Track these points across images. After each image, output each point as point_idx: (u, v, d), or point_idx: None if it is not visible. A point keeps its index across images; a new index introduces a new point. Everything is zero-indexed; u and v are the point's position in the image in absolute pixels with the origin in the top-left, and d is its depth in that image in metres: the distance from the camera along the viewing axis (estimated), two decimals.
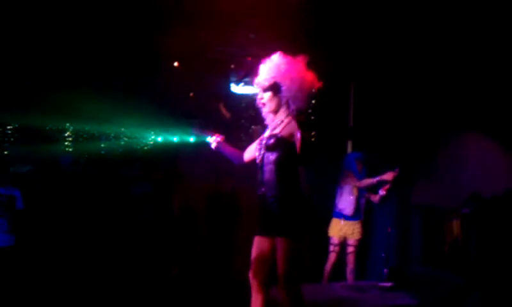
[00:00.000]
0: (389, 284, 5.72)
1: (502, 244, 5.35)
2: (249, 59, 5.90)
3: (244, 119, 7.09)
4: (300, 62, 3.45)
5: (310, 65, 3.51)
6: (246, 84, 5.71)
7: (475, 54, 5.49)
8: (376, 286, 5.72)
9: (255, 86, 3.54)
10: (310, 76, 3.45)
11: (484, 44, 5.34)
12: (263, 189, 3.44)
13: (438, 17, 5.32)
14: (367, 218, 6.08)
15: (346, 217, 5.94)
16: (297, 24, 5.18)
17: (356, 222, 5.94)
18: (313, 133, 6.72)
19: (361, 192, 5.97)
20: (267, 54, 3.57)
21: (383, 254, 6.20)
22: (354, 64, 6.57)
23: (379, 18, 5.54)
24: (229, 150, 3.73)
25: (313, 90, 3.47)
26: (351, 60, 6.50)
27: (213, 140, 3.70)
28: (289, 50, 3.61)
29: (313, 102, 3.91)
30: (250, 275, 3.48)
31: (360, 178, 5.93)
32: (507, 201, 5.48)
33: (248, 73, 5.99)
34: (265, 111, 3.53)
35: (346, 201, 5.97)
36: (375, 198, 5.97)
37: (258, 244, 3.47)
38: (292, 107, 3.43)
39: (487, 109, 5.62)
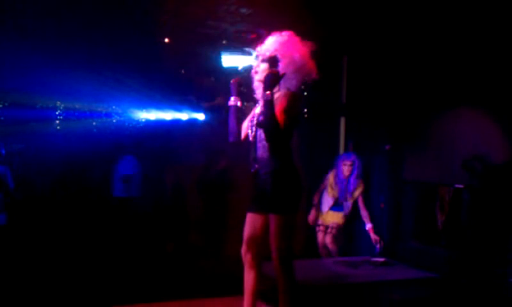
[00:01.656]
0: (381, 259, 5.75)
1: (494, 217, 5.38)
2: (243, 34, 5.82)
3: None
4: (306, 47, 3.44)
5: (302, 38, 3.48)
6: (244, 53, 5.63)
7: (467, 26, 5.45)
8: (368, 261, 5.76)
9: (257, 52, 3.50)
10: (310, 64, 3.44)
11: (475, 16, 5.30)
12: (256, 166, 3.43)
13: None
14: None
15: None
16: None
17: (338, 213, 5.97)
18: (305, 110, 6.71)
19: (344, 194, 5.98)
20: (258, 27, 3.54)
21: (375, 229, 6.22)
22: (347, 38, 6.51)
23: None
24: (236, 122, 3.61)
25: (309, 79, 3.45)
26: (344, 34, 6.43)
27: (236, 101, 3.58)
28: (281, 23, 3.57)
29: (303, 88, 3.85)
30: (242, 251, 3.49)
31: (350, 183, 5.92)
32: (501, 172, 5.49)
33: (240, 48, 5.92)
34: (256, 79, 3.50)
35: (324, 199, 6.07)
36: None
37: (251, 221, 3.48)
38: (283, 85, 3.41)
39: (479, 81, 5.60)
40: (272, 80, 3.32)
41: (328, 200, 6.04)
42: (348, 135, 7.05)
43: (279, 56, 3.40)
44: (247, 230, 3.48)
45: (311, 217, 6.08)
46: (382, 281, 5.15)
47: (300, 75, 3.41)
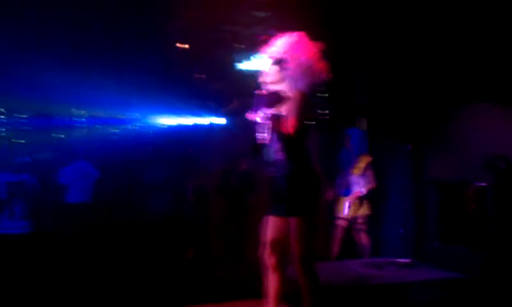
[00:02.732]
0: (406, 260, 5.70)
1: None
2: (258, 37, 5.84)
3: (251, 97, 7.04)
4: (315, 49, 3.41)
5: (324, 43, 3.47)
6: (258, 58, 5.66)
7: (488, 23, 5.37)
8: (393, 262, 5.71)
9: (266, 55, 3.51)
10: (320, 66, 3.40)
11: (496, 14, 5.23)
12: (272, 169, 3.43)
13: None
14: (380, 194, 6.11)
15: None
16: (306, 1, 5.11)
17: (362, 204, 6.03)
18: (327, 111, 6.68)
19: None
20: (274, 30, 3.54)
21: (401, 230, 6.17)
22: (367, 39, 6.48)
23: None
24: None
25: (319, 80, 3.42)
26: (364, 35, 6.40)
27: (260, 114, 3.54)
28: (298, 25, 3.57)
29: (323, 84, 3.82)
30: (265, 256, 3.47)
31: (348, 154, 6.02)
32: None
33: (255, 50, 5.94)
34: (268, 81, 3.49)
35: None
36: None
37: (272, 224, 3.45)
38: (293, 87, 3.38)
39: (498, 78, 5.51)
40: (273, 100, 3.36)
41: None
42: (369, 136, 6.99)
43: (288, 58, 3.38)
44: (268, 234, 3.45)
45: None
46: (407, 283, 5.11)
47: (309, 77, 3.37)
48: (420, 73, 6.28)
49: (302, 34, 3.44)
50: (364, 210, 5.98)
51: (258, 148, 3.55)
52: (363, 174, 5.95)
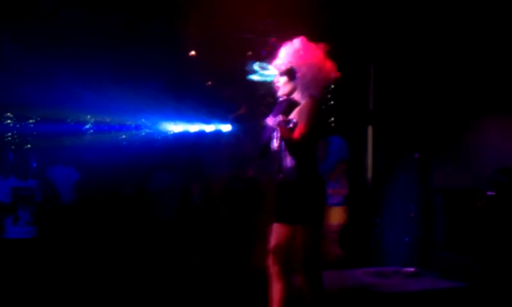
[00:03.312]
0: (412, 269, 5.66)
1: None
2: (270, 41, 5.85)
3: (263, 107, 7.05)
4: (319, 50, 3.43)
5: (329, 48, 3.47)
6: (264, 68, 5.67)
7: (494, 35, 5.36)
8: (398, 271, 5.67)
9: (273, 68, 3.52)
10: (328, 65, 3.42)
11: (504, 24, 5.21)
12: (281, 176, 3.42)
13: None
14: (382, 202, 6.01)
15: None
16: (316, 6, 5.12)
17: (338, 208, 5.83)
18: (332, 119, 6.68)
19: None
20: (287, 39, 3.54)
21: (406, 239, 6.13)
22: (374, 46, 6.47)
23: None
24: (269, 140, 3.59)
25: (330, 80, 3.45)
26: (371, 42, 6.40)
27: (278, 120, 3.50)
28: (309, 33, 3.57)
29: (330, 89, 3.83)
30: (270, 263, 3.46)
31: (328, 161, 5.84)
32: None
33: (267, 57, 5.96)
34: (280, 94, 3.52)
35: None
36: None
37: (277, 231, 3.45)
38: (306, 93, 3.40)
39: (508, 89, 5.49)
40: (284, 107, 3.38)
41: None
42: (376, 144, 6.98)
43: (295, 67, 3.39)
44: (273, 241, 3.45)
45: None
46: (413, 292, 5.07)
47: (319, 80, 3.39)
48: (428, 82, 6.26)
49: (302, 39, 3.45)
50: (339, 219, 5.84)
51: (266, 152, 3.56)
52: (338, 181, 5.84)
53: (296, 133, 3.26)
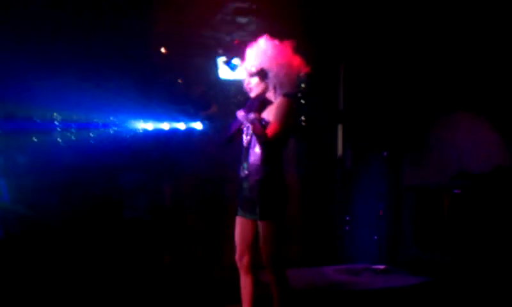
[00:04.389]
0: (381, 266, 5.73)
1: (490, 221, 5.37)
2: (237, 41, 5.84)
3: (233, 106, 7.02)
4: (287, 46, 3.44)
5: (299, 47, 3.49)
6: (234, 68, 5.66)
7: (464, 33, 5.46)
8: (368, 268, 5.74)
9: (242, 70, 3.52)
10: (297, 61, 3.46)
11: (473, 23, 5.32)
12: (246, 172, 3.45)
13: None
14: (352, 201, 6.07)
15: None
16: (286, 5, 5.12)
17: None
18: (302, 117, 6.70)
19: None
20: (255, 36, 3.53)
21: (375, 237, 6.21)
22: (344, 45, 6.52)
23: None
24: (238, 131, 3.61)
25: (301, 75, 3.48)
26: (341, 41, 6.44)
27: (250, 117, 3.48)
28: (277, 31, 3.57)
29: (302, 85, 3.86)
30: (237, 257, 3.53)
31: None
32: (495, 177, 5.50)
33: (235, 56, 5.93)
34: (252, 95, 3.52)
35: None
36: None
37: (241, 226, 3.51)
38: (280, 92, 3.43)
39: (476, 88, 5.61)
40: (255, 106, 3.40)
41: None
42: (346, 143, 7.03)
43: (266, 67, 3.41)
44: (238, 236, 3.52)
45: None
46: (383, 289, 5.13)
47: (292, 76, 3.42)
48: (398, 81, 6.35)
49: (267, 37, 3.45)
50: None
51: (233, 139, 3.58)
52: None
53: (270, 132, 3.28)
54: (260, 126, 3.32)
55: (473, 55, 5.56)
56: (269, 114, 3.40)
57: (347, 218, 6.60)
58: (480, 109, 5.68)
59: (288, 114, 3.36)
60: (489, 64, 5.46)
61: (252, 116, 3.34)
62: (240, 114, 3.40)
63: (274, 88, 3.43)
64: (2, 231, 5.01)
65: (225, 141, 3.66)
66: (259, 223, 3.34)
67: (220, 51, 6.31)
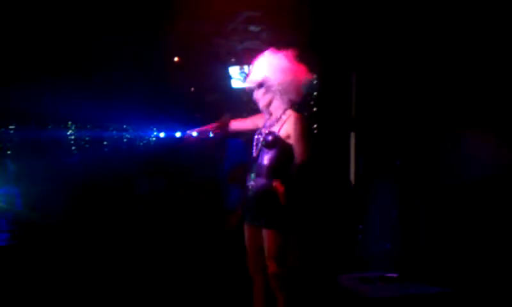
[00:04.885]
0: (395, 275, 5.69)
1: (507, 230, 5.32)
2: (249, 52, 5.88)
3: (246, 114, 7.05)
4: (290, 56, 3.54)
5: (312, 56, 3.54)
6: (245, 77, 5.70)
7: (477, 40, 5.45)
8: (382, 277, 5.70)
9: (249, 82, 3.60)
10: (301, 69, 3.55)
11: (483, 38, 5.32)
12: (252, 183, 3.53)
13: (441, 9, 5.31)
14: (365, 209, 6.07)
15: None
16: (298, 14, 5.15)
17: None
18: (315, 125, 6.72)
19: None
20: (268, 46, 3.61)
21: (388, 245, 6.18)
22: (357, 54, 6.53)
23: (383, 7, 5.51)
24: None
25: (307, 82, 3.57)
26: (354, 50, 6.45)
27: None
28: (290, 41, 3.63)
29: (315, 94, 3.92)
30: (248, 263, 3.66)
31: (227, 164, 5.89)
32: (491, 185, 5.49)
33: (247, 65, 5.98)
34: (260, 106, 3.62)
35: None
36: None
37: (249, 233, 3.61)
38: (286, 99, 3.51)
39: (489, 95, 5.58)
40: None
41: None
42: (358, 151, 7.02)
43: (272, 79, 3.48)
44: (248, 242, 3.63)
45: None
46: (397, 297, 5.10)
47: (297, 85, 3.52)
48: (410, 89, 6.33)
49: (271, 50, 3.57)
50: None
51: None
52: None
53: (299, 156, 3.39)
54: (277, 141, 3.45)
55: (487, 63, 5.53)
56: (280, 126, 3.48)
57: (360, 227, 6.57)
58: (493, 117, 5.64)
59: (306, 129, 3.50)
60: (502, 73, 5.43)
61: (266, 130, 3.44)
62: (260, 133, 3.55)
63: (281, 96, 3.51)
64: (15, 237, 5.07)
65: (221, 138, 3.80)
66: (263, 231, 3.44)
67: (232, 60, 6.36)
